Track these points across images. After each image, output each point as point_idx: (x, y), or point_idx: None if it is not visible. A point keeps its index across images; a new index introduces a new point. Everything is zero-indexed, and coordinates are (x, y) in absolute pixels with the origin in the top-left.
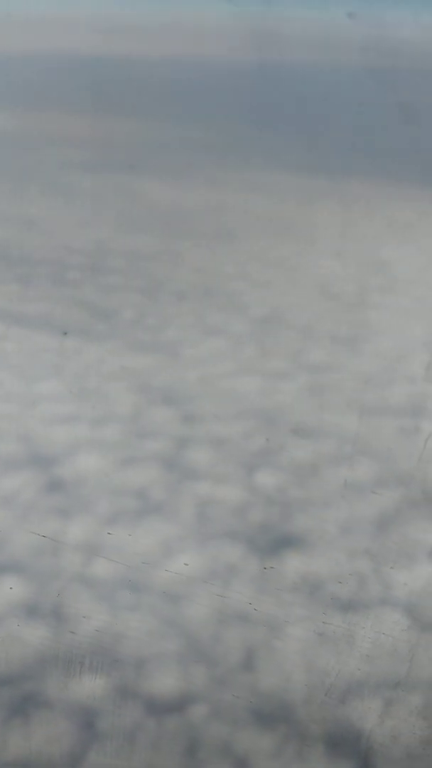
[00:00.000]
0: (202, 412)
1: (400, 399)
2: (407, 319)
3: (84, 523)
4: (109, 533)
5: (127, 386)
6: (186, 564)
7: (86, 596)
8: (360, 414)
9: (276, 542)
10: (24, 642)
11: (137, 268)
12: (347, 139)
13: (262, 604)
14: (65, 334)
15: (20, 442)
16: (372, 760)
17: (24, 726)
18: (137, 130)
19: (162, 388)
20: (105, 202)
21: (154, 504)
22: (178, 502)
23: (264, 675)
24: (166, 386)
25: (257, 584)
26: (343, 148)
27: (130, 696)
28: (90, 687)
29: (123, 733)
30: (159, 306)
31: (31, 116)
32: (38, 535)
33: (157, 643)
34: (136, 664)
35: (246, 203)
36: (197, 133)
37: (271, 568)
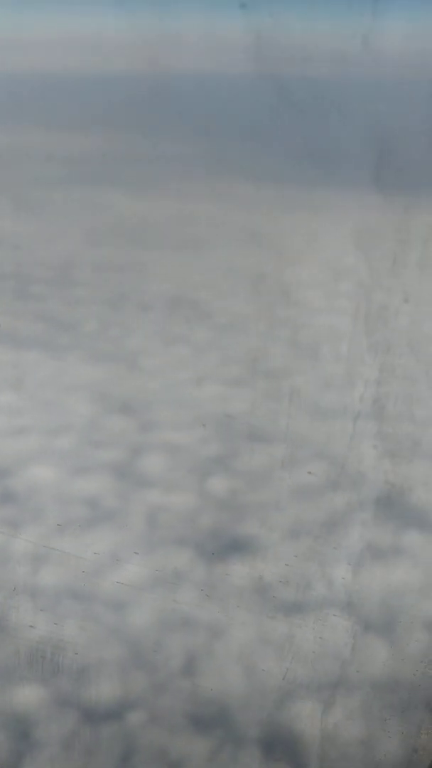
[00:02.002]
0: (159, 420)
1: (355, 402)
2: (367, 324)
3: (32, 533)
4: (56, 542)
5: (85, 397)
6: (132, 571)
7: (31, 605)
8: (314, 418)
9: (224, 547)
10: None
11: (102, 280)
12: (318, 148)
13: (206, 608)
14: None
15: None
16: (308, 761)
17: None
18: (111, 145)
19: (120, 398)
20: (74, 216)
21: (105, 512)
22: (128, 510)
23: (204, 679)
24: (124, 395)
25: (202, 589)
26: (314, 157)
27: (69, 704)
28: (31, 695)
29: (59, 741)
30: (122, 317)
31: (3, 133)
32: None
33: (98, 651)
34: (76, 672)
35: (214, 214)
36: (170, 147)
37: (223, 573)
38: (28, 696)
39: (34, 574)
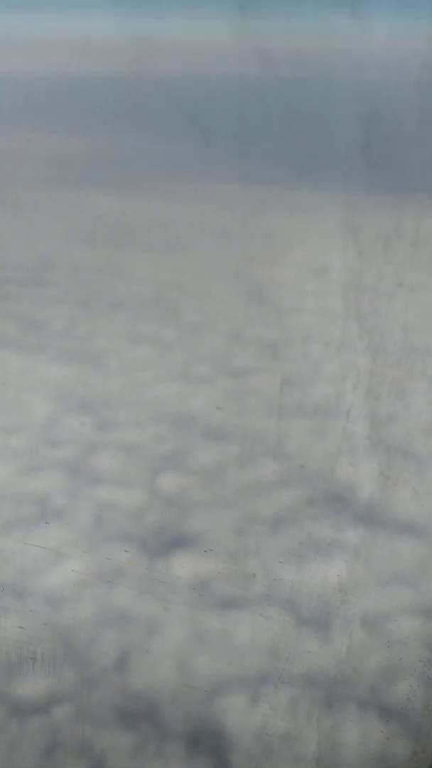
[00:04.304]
0: (117, 418)
1: (316, 401)
2: (335, 322)
3: None
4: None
5: (46, 396)
6: (73, 570)
7: None
8: (274, 416)
9: (168, 544)
10: None
11: (76, 281)
12: (301, 148)
13: (144, 605)
14: None
15: None
16: (231, 756)
17: None
18: (95, 146)
19: (80, 397)
20: (52, 217)
21: (52, 510)
22: (76, 508)
23: (135, 675)
24: (85, 395)
25: (142, 586)
26: (297, 157)
27: None
28: None
29: None
30: (91, 317)
31: None
32: None
33: (30, 647)
34: (6, 667)
35: (193, 215)
36: (153, 147)
37: (163, 570)
38: None
39: None
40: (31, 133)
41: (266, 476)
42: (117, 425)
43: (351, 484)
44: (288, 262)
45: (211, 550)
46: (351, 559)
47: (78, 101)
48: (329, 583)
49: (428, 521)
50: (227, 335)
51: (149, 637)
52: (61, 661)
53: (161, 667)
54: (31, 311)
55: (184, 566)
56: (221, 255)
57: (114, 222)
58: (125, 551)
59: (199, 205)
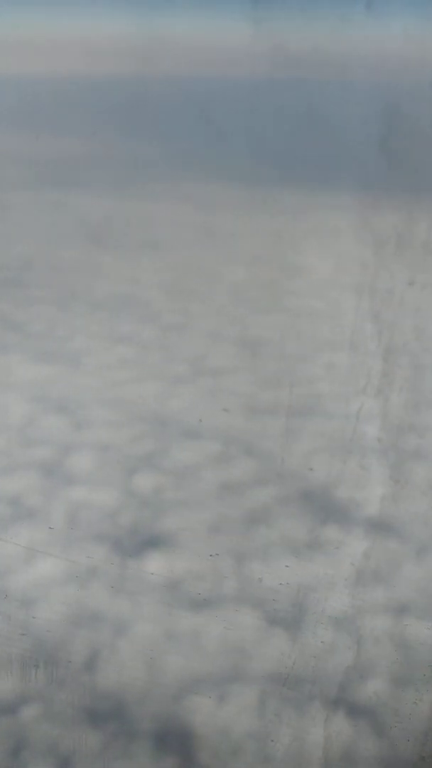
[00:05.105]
0: (94, 418)
1: (293, 400)
2: (314, 322)
3: None
4: None
5: (23, 396)
6: (45, 567)
7: None
8: (250, 415)
9: (141, 544)
10: None
11: (57, 281)
12: (284, 149)
13: (116, 605)
14: None
15: None
16: (198, 754)
17: None
18: (79, 148)
19: (58, 397)
20: (35, 218)
21: (26, 510)
22: (51, 508)
23: (104, 675)
24: (63, 395)
25: (115, 586)
26: (279, 158)
27: None
28: None
29: None
30: (71, 317)
31: None
32: None
33: (1, 646)
34: None
35: (175, 214)
36: (138, 148)
37: (137, 569)
38: None
39: None
40: (16, 134)
41: (239, 475)
42: (93, 425)
43: (326, 485)
44: (267, 262)
45: (184, 549)
46: (327, 559)
47: (63, 102)
48: (304, 583)
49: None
50: (206, 334)
51: (119, 636)
52: (30, 660)
53: (130, 666)
54: (10, 311)
55: (156, 566)
56: (200, 254)
57: (95, 222)
58: (98, 551)
59: (180, 204)
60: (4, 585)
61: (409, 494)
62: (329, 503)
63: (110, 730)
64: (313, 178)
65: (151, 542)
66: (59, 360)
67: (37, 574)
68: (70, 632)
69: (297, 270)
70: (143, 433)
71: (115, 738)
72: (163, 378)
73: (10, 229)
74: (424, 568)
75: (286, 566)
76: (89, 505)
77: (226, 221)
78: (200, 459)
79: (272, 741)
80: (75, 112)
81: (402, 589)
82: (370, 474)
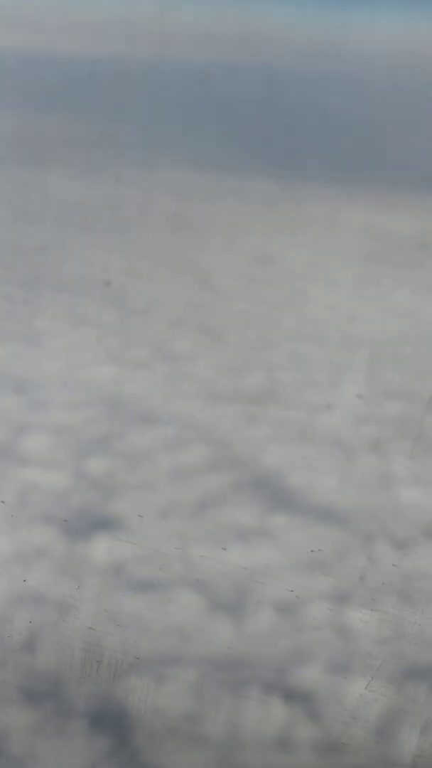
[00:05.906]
0: (51, 400)
1: (251, 387)
2: (279, 310)
3: None
4: None
5: None
6: None
7: None
8: (207, 402)
9: (90, 526)
10: None
11: (22, 262)
12: (264, 138)
13: (59, 586)
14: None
15: None
16: (132, 734)
17: None
18: (54, 127)
19: (16, 378)
20: (2, 197)
21: None
22: (0, 487)
23: (42, 655)
24: (21, 375)
25: (59, 567)
26: (258, 147)
27: None
28: None
29: None
30: (34, 298)
31: None
32: None
33: None
34: None
35: (147, 199)
36: (118, 131)
37: (84, 551)
38: None
39: None
40: None
41: (192, 460)
42: (49, 407)
43: (278, 471)
44: (233, 249)
45: (132, 532)
46: (272, 544)
47: (43, 80)
48: (248, 568)
49: None
50: (169, 320)
51: (61, 617)
52: None
53: (69, 647)
54: None
55: (103, 548)
56: (170, 239)
57: (65, 204)
58: (46, 531)
59: (153, 190)
60: None
61: (359, 484)
62: (280, 491)
63: (45, 708)
64: (291, 168)
65: (99, 525)
66: (20, 340)
67: None
68: (10, 614)
69: (267, 259)
70: (99, 416)
71: (50, 717)
72: (123, 362)
73: None
74: (368, 557)
75: (233, 552)
76: (40, 487)
77: (197, 208)
78: (155, 443)
79: (207, 723)
80: (54, 91)
81: (346, 577)
82: (323, 464)
